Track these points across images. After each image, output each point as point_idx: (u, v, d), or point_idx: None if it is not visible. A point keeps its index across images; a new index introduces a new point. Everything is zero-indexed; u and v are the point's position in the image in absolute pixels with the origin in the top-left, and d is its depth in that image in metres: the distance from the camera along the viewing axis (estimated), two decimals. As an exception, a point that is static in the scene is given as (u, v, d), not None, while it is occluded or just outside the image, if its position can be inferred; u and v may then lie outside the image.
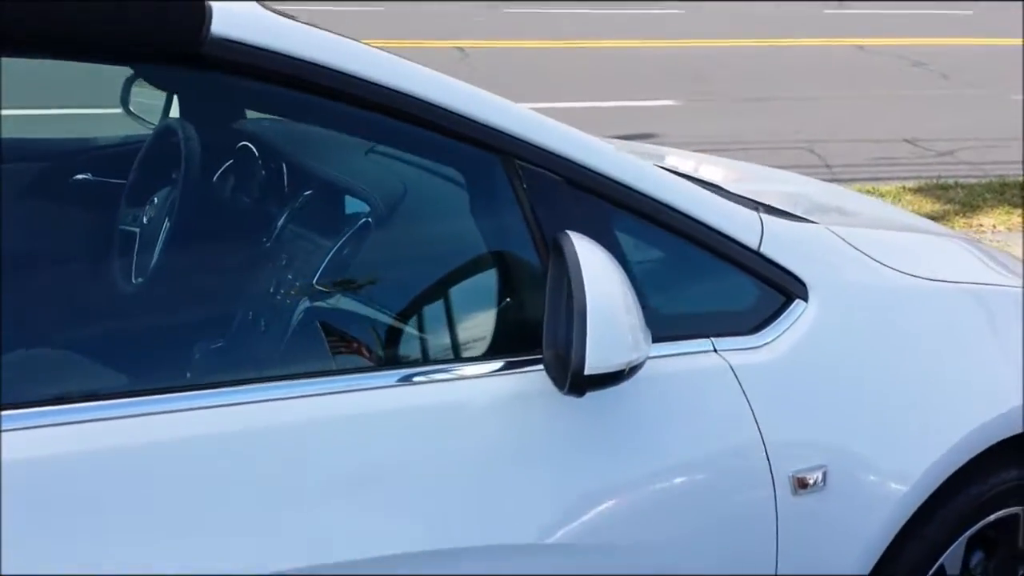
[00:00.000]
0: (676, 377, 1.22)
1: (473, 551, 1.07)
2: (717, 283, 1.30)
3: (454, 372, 1.17)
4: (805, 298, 1.32)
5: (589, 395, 1.09)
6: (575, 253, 1.04)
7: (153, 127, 2.28)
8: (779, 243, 1.32)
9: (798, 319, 1.31)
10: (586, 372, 1.01)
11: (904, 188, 5.26)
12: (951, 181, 5.37)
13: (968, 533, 1.41)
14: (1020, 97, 7.28)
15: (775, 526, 1.24)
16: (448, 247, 1.33)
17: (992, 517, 1.43)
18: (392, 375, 1.15)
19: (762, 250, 1.30)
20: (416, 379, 1.15)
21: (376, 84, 1.10)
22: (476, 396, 1.15)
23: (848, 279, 1.38)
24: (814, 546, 1.28)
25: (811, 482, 1.25)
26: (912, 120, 6.81)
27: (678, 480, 1.21)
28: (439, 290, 1.30)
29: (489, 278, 1.27)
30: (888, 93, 7.83)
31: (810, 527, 1.26)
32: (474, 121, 1.15)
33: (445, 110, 1.13)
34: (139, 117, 2.31)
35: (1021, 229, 4.71)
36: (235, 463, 1.01)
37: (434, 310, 1.30)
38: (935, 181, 5.34)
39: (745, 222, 1.31)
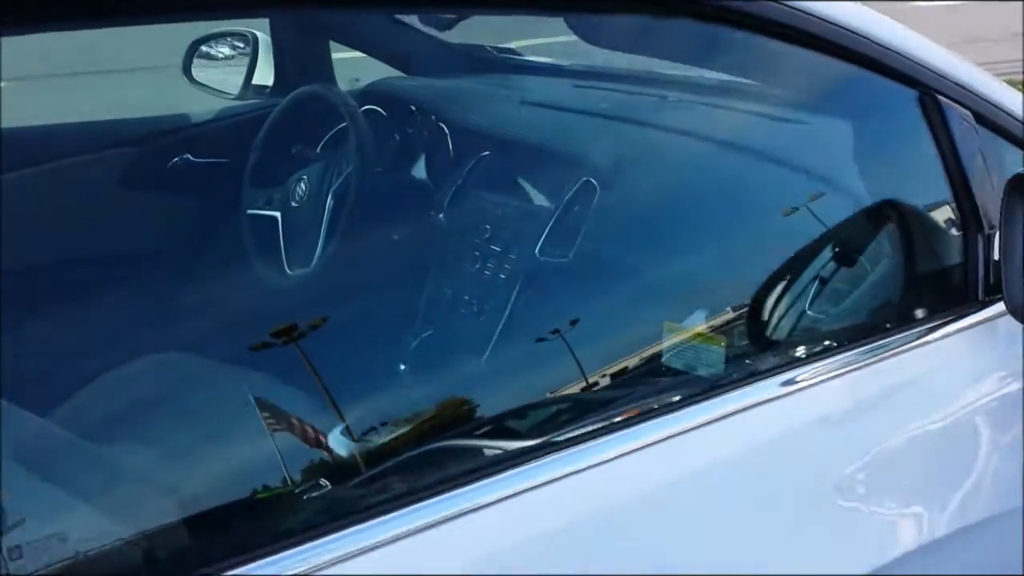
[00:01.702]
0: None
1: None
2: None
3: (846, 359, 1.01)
4: None
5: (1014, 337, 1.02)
6: None
7: (232, 96, 1.99)
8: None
9: None
10: None
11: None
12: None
13: None
14: None
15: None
16: (797, 191, 1.17)
17: None
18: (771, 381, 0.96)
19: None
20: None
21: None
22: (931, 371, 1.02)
23: None
24: None
25: None
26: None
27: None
28: (803, 255, 1.13)
29: (870, 232, 1.13)
30: None
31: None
32: (890, 49, 1.01)
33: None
34: (207, 86, 2.01)
35: None
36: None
37: (792, 282, 1.13)
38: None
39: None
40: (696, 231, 1.24)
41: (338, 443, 0.94)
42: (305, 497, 0.80)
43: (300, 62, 1.89)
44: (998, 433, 1.07)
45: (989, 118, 1.10)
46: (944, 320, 1.06)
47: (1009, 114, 1.12)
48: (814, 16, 0.94)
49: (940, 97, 1.05)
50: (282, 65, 1.89)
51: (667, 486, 0.83)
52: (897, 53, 1.02)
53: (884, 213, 1.14)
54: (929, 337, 1.05)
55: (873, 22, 1.00)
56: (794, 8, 0.93)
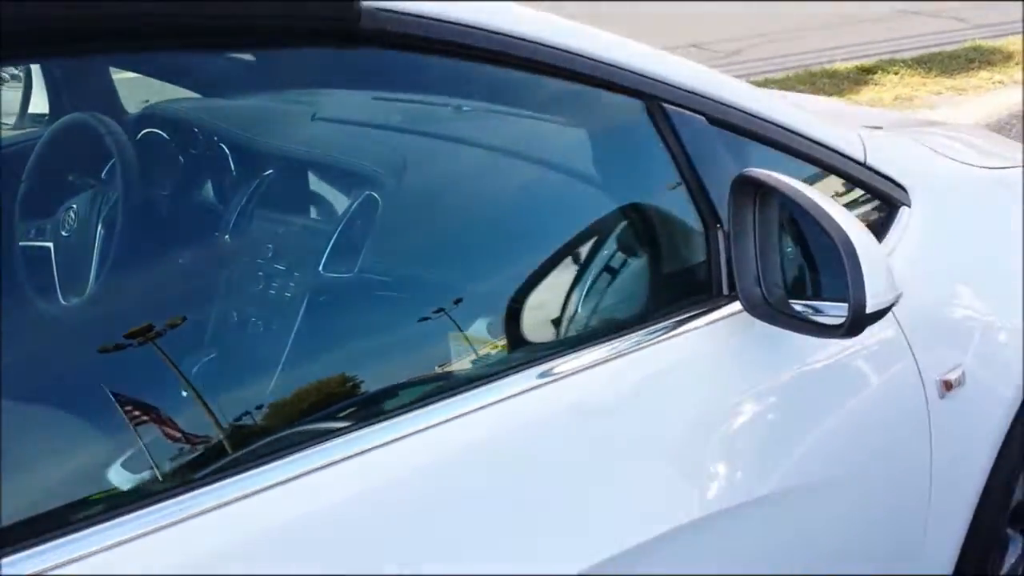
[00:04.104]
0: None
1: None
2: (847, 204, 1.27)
3: (601, 352, 1.03)
4: (908, 203, 1.32)
5: (752, 330, 1.04)
6: (798, 189, 0.97)
7: (10, 127, 1.91)
8: (878, 153, 1.31)
9: (908, 225, 1.31)
10: (868, 310, 0.94)
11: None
12: (761, 78, 5.67)
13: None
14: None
15: (928, 432, 1.26)
16: (549, 203, 1.21)
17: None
18: (528, 371, 0.97)
19: (868, 162, 1.29)
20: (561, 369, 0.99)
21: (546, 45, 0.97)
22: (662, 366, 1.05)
23: (937, 178, 1.40)
24: (959, 445, 1.31)
25: (954, 383, 1.27)
26: (693, 25, 7.04)
27: (849, 401, 1.20)
28: (547, 257, 1.17)
29: (612, 232, 1.16)
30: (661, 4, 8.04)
31: (956, 427, 1.29)
32: (617, 67, 1.03)
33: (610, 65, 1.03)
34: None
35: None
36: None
37: (550, 281, 1.17)
38: (747, 80, 5.62)
39: (850, 136, 1.29)
40: (464, 238, 1.25)
41: (117, 475, 0.90)
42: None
43: (77, 89, 1.82)
44: (743, 423, 1.10)
45: (724, 119, 1.13)
46: (693, 314, 1.09)
47: (746, 113, 1.15)
48: (526, 40, 0.96)
49: (666, 105, 1.08)
50: (57, 93, 1.82)
51: (420, 477, 0.85)
52: (614, 67, 1.03)
53: (634, 216, 1.17)
54: (678, 330, 1.07)
55: (588, 39, 1.02)
56: (500, 34, 0.94)
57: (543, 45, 0.98)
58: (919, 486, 1.27)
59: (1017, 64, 5.97)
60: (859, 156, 1.27)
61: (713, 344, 1.09)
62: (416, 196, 1.30)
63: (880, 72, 5.74)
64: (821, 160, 1.22)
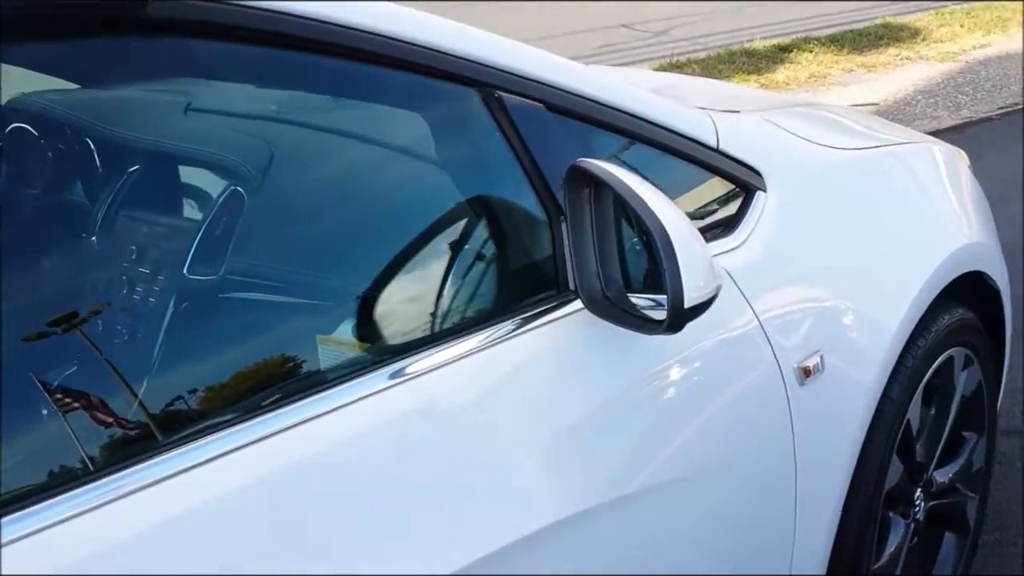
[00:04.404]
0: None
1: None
2: (691, 189, 1.24)
3: (452, 352, 0.99)
4: (764, 188, 1.29)
5: (609, 329, 1.00)
6: (622, 180, 0.92)
7: None
8: (732, 137, 1.28)
9: (764, 210, 1.28)
10: (687, 305, 0.90)
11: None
12: (684, 59, 5.68)
13: (921, 384, 1.49)
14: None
15: (790, 420, 1.23)
16: (395, 198, 1.15)
17: (936, 364, 1.53)
18: (378, 373, 0.93)
19: (721, 147, 1.25)
20: (414, 369, 0.95)
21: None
22: (500, 369, 1.00)
23: (793, 161, 1.37)
24: (822, 432, 1.28)
25: (813, 369, 1.25)
26: (622, 6, 7.07)
27: (708, 395, 1.16)
28: (396, 254, 1.12)
29: (460, 228, 1.11)
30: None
31: (819, 413, 1.27)
32: (445, 54, 0.98)
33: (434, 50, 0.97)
34: None
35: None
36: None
37: (400, 279, 1.12)
38: (670, 61, 5.64)
39: (704, 122, 1.25)
40: (316, 236, 1.19)
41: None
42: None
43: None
44: (597, 422, 1.06)
45: (565, 106, 1.08)
46: (541, 310, 1.05)
47: (588, 99, 1.10)
48: (344, 28, 0.90)
49: (502, 93, 1.03)
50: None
51: (267, 483, 0.82)
52: (442, 54, 0.98)
53: (481, 211, 1.11)
54: (527, 327, 1.03)
55: (412, 25, 0.96)
56: (314, 21, 0.89)
57: (364, 32, 0.92)
58: (784, 475, 1.25)
59: (924, 40, 6.08)
60: (711, 141, 1.24)
61: (563, 341, 1.05)
62: (273, 193, 1.23)
63: (796, 51, 5.79)
64: (670, 146, 1.18)
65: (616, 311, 1.00)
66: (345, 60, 0.95)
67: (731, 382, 1.19)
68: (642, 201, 0.91)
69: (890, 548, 1.58)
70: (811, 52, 5.75)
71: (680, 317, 0.90)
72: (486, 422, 0.97)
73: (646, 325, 0.97)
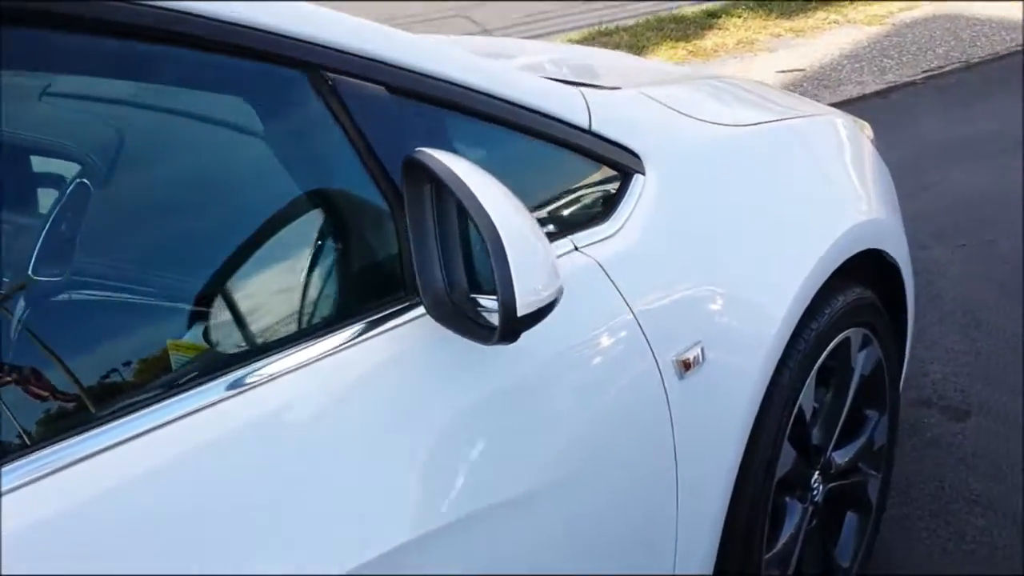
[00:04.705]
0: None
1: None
2: (560, 175, 1.16)
3: (295, 359, 0.91)
4: (642, 171, 1.22)
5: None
6: (454, 173, 0.84)
7: None
8: (606, 117, 1.20)
9: (641, 195, 1.21)
10: (519, 312, 0.82)
11: (570, 40, 5.42)
12: (612, 26, 5.60)
13: (815, 368, 1.45)
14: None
15: (668, 415, 1.17)
16: (230, 196, 1.05)
17: (831, 346, 1.49)
18: (216, 384, 0.86)
19: (593, 128, 1.17)
20: (251, 380, 0.88)
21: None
22: (338, 381, 0.92)
23: (675, 141, 1.30)
24: (705, 424, 1.23)
25: (692, 361, 1.19)
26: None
27: (580, 396, 1.09)
28: (231, 255, 1.02)
29: (302, 225, 1.01)
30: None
31: (700, 406, 1.21)
32: (266, 32, 0.88)
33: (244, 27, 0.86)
34: None
35: (688, 60, 5.05)
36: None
37: (237, 284, 1.02)
38: (598, 28, 5.55)
39: (573, 101, 1.16)
40: (159, 234, 1.09)
41: None
42: None
43: None
44: (454, 431, 0.98)
45: (410, 88, 0.98)
46: (388, 312, 0.97)
47: (437, 79, 1.01)
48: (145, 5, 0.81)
49: (334, 75, 0.93)
50: None
51: (107, 495, 0.76)
52: (267, 34, 0.88)
53: (326, 208, 1.02)
54: (374, 332, 0.95)
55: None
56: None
57: (168, 11, 0.82)
58: (664, 472, 1.19)
59: (852, 3, 6.07)
60: (582, 122, 1.16)
61: (414, 345, 0.97)
62: (114, 186, 1.13)
63: (724, 16, 5.74)
64: (535, 129, 1.10)
65: (457, 317, 0.92)
66: (159, 44, 0.85)
67: (604, 380, 1.12)
68: (472, 196, 0.82)
69: (786, 533, 1.55)
70: (740, 18, 5.71)
71: (513, 325, 0.83)
72: (327, 437, 0.89)
73: (481, 333, 0.89)
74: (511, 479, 1.02)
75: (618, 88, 1.35)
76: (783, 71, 4.70)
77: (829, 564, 1.72)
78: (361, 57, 0.95)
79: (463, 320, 0.90)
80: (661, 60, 4.69)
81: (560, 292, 0.87)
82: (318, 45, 0.92)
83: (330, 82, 0.93)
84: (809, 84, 4.63)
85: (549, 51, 1.94)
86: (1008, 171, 3.94)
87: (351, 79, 0.94)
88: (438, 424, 0.97)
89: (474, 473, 0.98)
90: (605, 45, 5.19)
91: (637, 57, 2.24)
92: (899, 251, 1.74)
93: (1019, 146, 4.22)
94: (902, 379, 1.96)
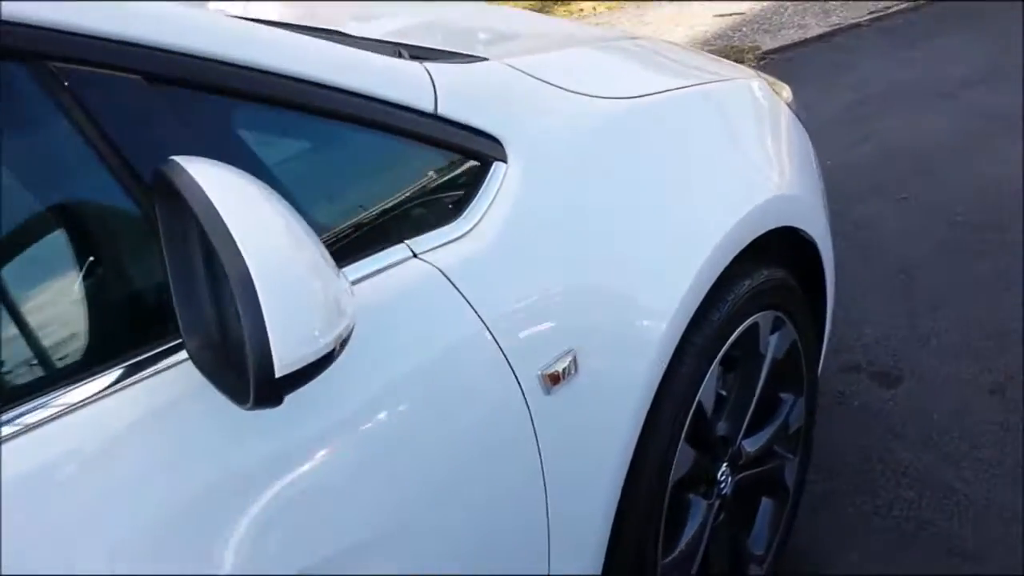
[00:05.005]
0: (377, 308, 0.91)
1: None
2: (398, 169, 1.00)
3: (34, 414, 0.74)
4: (503, 158, 1.07)
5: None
6: (203, 194, 0.67)
7: None
8: (458, 97, 1.03)
9: (502, 186, 1.05)
10: (278, 373, 0.66)
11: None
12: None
13: (716, 360, 1.33)
14: None
15: (534, 434, 1.04)
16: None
17: (735, 335, 1.36)
18: None
19: (440, 111, 1.01)
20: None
21: None
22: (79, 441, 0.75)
23: (545, 120, 1.13)
24: (580, 438, 1.10)
25: (562, 374, 1.06)
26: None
27: (418, 429, 0.94)
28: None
29: (48, 255, 0.81)
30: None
31: (572, 420, 1.08)
32: None
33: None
34: None
35: (621, 6, 4.85)
36: None
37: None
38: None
39: (412, 80, 1.00)
40: None
41: None
42: None
43: None
44: (260, 489, 0.83)
45: (180, 76, 0.81)
46: (154, 354, 0.79)
47: (227, 65, 0.83)
48: None
49: (64, 66, 0.75)
50: None
51: None
52: None
53: (73, 231, 0.83)
54: (135, 376, 0.78)
55: None
56: None
57: None
58: (530, 498, 1.06)
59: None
60: (425, 105, 1.00)
61: (189, 390, 0.79)
62: None
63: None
64: (360, 117, 0.93)
65: (222, 368, 0.73)
66: None
67: (452, 407, 0.97)
68: (218, 220, 0.65)
69: (689, 533, 1.44)
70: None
71: (268, 389, 0.66)
72: (77, 509, 0.73)
73: (241, 392, 0.70)
74: (336, 538, 0.86)
75: (484, 59, 1.18)
76: (721, 15, 4.52)
77: (741, 556, 1.63)
78: (104, 40, 0.77)
79: (227, 374, 0.72)
80: (579, 18, 4.48)
81: (349, 330, 0.71)
82: (46, 28, 0.74)
83: (57, 74, 0.75)
84: (748, 28, 4.46)
85: (436, 11, 1.75)
86: (953, 116, 3.83)
87: (90, 69, 0.76)
88: (229, 486, 0.80)
89: (284, 539, 0.83)
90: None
91: (546, 17, 2.06)
92: (816, 227, 1.61)
93: (963, 88, 4.10)
94: (821, 358, 1.86)
